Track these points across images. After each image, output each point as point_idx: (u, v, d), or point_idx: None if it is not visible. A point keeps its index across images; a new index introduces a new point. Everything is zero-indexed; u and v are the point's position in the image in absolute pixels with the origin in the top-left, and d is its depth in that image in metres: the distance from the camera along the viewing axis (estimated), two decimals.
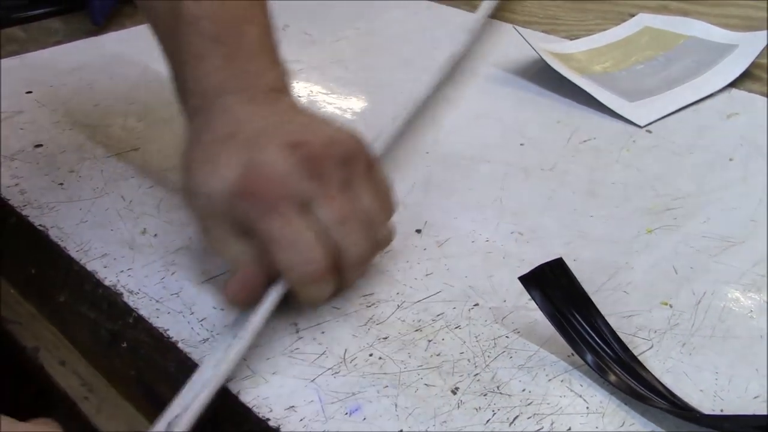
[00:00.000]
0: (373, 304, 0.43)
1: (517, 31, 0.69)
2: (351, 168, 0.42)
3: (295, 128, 0.42)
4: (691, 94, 0.65)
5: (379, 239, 0.43)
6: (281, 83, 0.46)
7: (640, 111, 0.63)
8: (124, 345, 0.43)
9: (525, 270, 0.40)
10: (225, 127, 0.42)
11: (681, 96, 0.65)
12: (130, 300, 0.43)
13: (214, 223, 0.41)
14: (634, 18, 0.79)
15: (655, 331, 0.41)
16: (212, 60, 0.44)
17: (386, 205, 0.44)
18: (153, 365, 0.41)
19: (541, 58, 0.67)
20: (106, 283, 0.44)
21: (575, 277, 0.40)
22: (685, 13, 0.79)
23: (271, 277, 0.41)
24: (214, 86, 0.44)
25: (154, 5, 0.47)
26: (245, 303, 0.41)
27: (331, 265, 0.40)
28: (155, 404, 0.41)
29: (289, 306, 0.42)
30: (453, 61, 0.67)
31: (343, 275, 0.42)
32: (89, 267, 0.46)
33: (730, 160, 0.56)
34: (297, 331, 0.41)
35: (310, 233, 0.39)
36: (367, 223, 0.41)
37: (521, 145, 0.59)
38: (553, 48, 0.72)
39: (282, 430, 0.35)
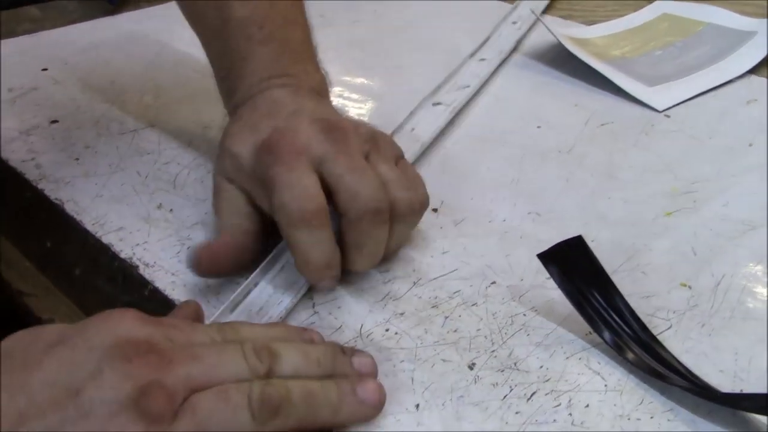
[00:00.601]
0: (390, 280, 0.43)
1: (537, 17, 0.69)
2: (375, 146, 0.42)
3: (328, 116, 0.43)
4: (710, 80, 0.65)
5: (397, 199, 0.41)
6: (323, 87, 0.48)
7: (658, 96, 0.62)
8: None
9: (542, 249, 0.40)
10: (266, 108, 0.44)
11: (700, 82, 0.64)
12: (146, 272, 0.43)
13: (236, 180, 0.43)
14: (652, 4, 0.78)
15: (674, 312, 0.40)
16: (259, 61, 0.46)
17: (413, 185, 0.43)
18: None
19: (560, 43, 0.66)
20: (122, 255, 0.44)
21: (594, 255, 0.39)
22: (703, 0, 0.78)
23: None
24: (259, 83, 0.45)
25: (199, 6, 0.48)
26: (204, 269, 0.41)
27: (326, 211, 0.39)
28: None
29: (302, 280, 0.42)
30: (500, 56, 0.67)
31: (348, 234, 0.40)
32: (105, 240, 0.46)
33: (750, 145, 0.56)
34: (313, 306, 0.41)
35: (312, 179, 0.39)
36: (381, 183, 0.40)
37: (538, 127, 0.59)
38: (571, 33, 0.71)
39: None
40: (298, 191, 0.39)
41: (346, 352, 0.36)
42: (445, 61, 0.67)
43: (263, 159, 0.41)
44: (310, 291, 0.42)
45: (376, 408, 0.34)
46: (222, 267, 0.41)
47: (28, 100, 0.62)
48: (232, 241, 0.42)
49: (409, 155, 0.51)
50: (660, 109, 0.61)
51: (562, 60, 0.67)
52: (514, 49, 0.71)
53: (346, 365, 0.35)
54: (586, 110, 0.61)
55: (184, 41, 0.71)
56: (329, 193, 0.40)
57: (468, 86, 0.62)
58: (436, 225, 0.47)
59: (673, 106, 0.61)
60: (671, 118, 0.60)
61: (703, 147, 0.56)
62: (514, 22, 0.74)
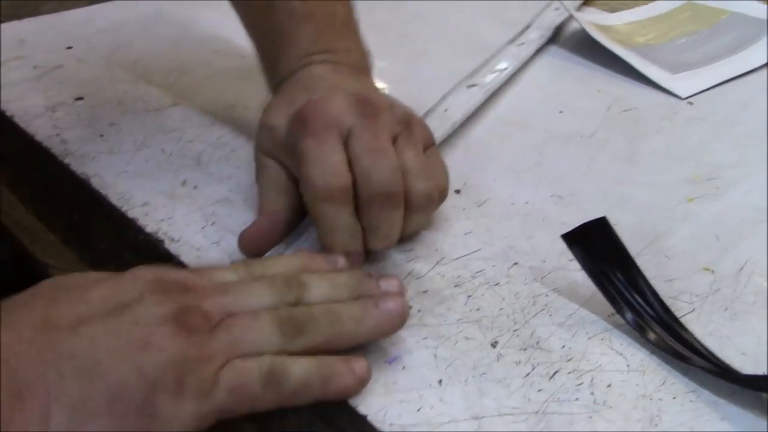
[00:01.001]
0: (413, 259, 0.43)
1: (561, 4, 0.69)
2: (406, 129, 0.42)
3: (366, 91, 0.44)
4: (733, 68, 0.65)
5: (414, 190, 0.41)
6: (364, 65, 0.48)
7: (682, 83, 0.62)
8: None
9: (564, 232, 0.40)
10: (306, 82, 0.45)
11: (723, 70, 0.64)
12: (172, 247, 0.43)
13: (273, 154, 0.43)
14: None
15: (697, 296, 0.40)
16: (301, 37, 0.46)
17: (435, 174, 0.43)
18: None
19: (584, 30, 0.66)
20: (148, 230, 0.45)
21: (618, 237, 0.40)
22: None
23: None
24: (300, 60, 0.46)
25: None
26: (253, 247, 0.42)
27: (351, 188, 0.39)
28: None
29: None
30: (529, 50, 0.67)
31: (364, 214, 0.40)
32: (130, 215, 0.46)
33: None
34: None
35: (338, 155, 0.40)
36: (398, 168, 0.40)
37: (561, 112, 0.59)
38: (594, 19, 0.71)
39: None
40: (325, 166, 0.39)
41: (373, 276, 0.37)
42: (467, 47, 0.67)
43: (295, 130, 0.41)
44: None
45: (399, 317, 0.35)
46: (263, 244, 0.42)
47: (53, 78, 0.62)
48: (273, 217, 0.43)
49: (439, 135, 0.51)
50: (683, 96, 0.60)
51: (585, 46, 0.67)
52: (554, 36, 0.70)
53: (372, 286, 0.36)
54: (608, 96, 0.61)
55: (207, 21, 0.72)
56: None
57: (506, 68, 0.62)
58: (459, 206, 0.47)
59: (696, 93, 0.61)
60: (694, 105, 0.60)
61: (725, 134, 0.56)
62: (557, 9, 0.73)
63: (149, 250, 0.44)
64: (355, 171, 0.40)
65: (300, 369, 0.33)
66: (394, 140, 0.42)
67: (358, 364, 0.34)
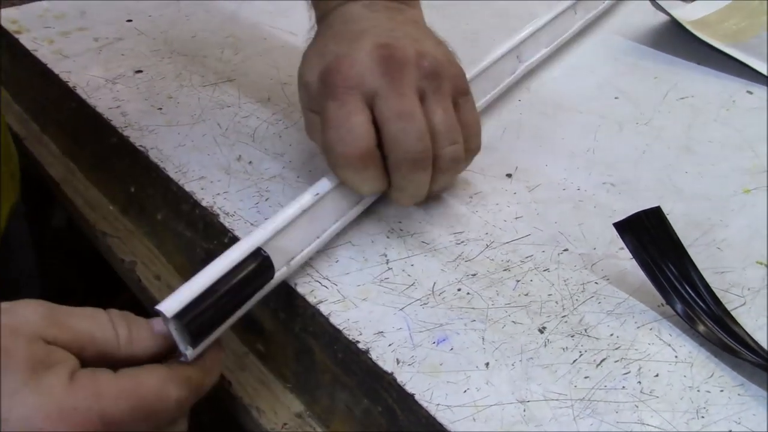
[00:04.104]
0: (463, 242, 0.43)
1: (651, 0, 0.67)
2: (434, 84, 0.42)
3: (396, 34, 0.43)
4: None
5: (442, 154, 0.42)
6: None
7: None
8: None
9: (616, 219, 0.40)
10: (337, 26, 0.44)
11: None
12: (226, 221, 0.44)
13: (313, 109, 0.43)
14: None
15: (749, 289, 0.40)
16: None
17: (468, 131, 0.43)
18: None
19: (657, 17, 0.64)
20: (203, 204, 0.46)
21: (671, 227, 0.39)
22: None
23: None
24: None
25: None
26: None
27: (372, 152, 0.40)
28: (245, 321, 0.42)
29: (378, 237, 0.43)
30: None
31: (391, 175, 0.41)
32: (187, 188, 0.47)
33: None
34: (387, 262, 0.42)
35: (360, 118, 0.40)
36: (426, 132, 0.40)
37: (616, 98, 0.58)
38: (679, 15, 0.69)
39: (371, 352, 0.36)
40: (343, 132, 0.40)
41: None
42: (520, 27, 0.66)
43: (320, 92, 0.42)
44: (385, 248, 0.42)
45: None
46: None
47: (113, 50, 0.64)
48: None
49: (487, 98, 0.52)
50: None
51: (641, 31, 0.66)
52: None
53: None
54: (666, 83, 0.60)
55: None
56: None
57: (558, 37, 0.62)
58: (510, 190, 0.47)
59: None
60: (754, 94, 0.59)
61: None
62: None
63: (204, 224, 0.45)
64: (382, 134, 0.40)
65: None
66: (422, 96, 0.41)
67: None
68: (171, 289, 0.47)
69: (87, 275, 0.75)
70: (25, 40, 0.65)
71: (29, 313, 0.31)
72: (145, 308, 0.48)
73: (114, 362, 0.32)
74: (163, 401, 0.32)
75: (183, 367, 0.34)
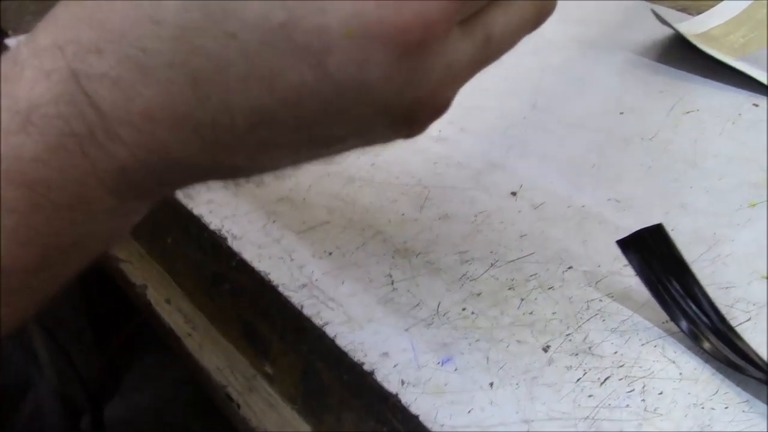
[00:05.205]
0: (467, 261, 0.43)
1: (655, 14, 0.67)
2: None
3: None
4: None
5: None
6: None
7: None
8: (227, 286, 0.45)
9: (621, 236, 0.40)
10: None
11: None
12: (234, 244, 0.45)
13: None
14: None
15: (754, 304, 0.40)
16: None
17: None
18: (253, 307, 0.43)
19: (664, 30, 0.64)
20: (212, 227, 0.46)
21: (674, 244, 0.39)
22: None
23: None
24: None
25: None
26: None
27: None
28: (253, 343, 0.43)
29: (383, 258, 0.43)
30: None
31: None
32: (195, 211, 0.48)
33: None
34: (392, 283, 0.42)
35: None
36: None
37: (621, 113, 0.58)
38: (683, 29, 0.69)
39: (376, 374, 0.37)
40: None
41: None
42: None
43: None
44: (390, 268, 0.43)
45: None
46: None
47: None
48: None
49: None
50: None
51: (645, 44, 0.66)
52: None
53: None
54: (671, 97, 0.60)
55: None
56: None
57: None
58: (515, 208, 0.48)
59: None
60: (759, 107, 0.58)
61: None
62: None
63: (213, 246, 0.46)
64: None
65: None
66: None
67: None
68: (181, 312, 0.48)
69: (97, 299, 0.76)
70: None
71: None
72: (155, 332, 0.48)
73: None
74: None
75: None
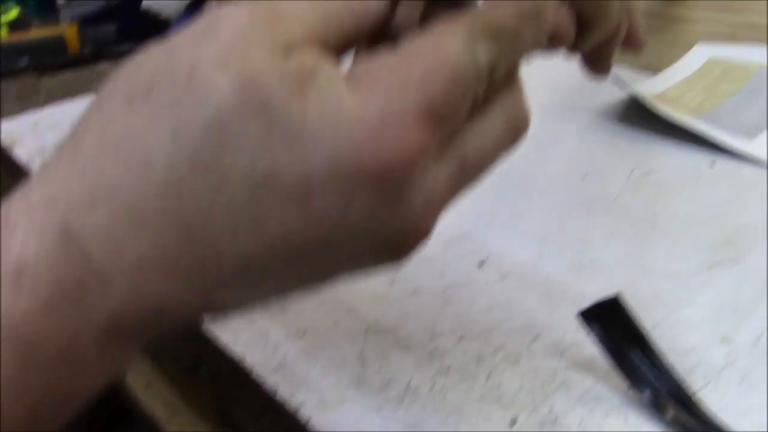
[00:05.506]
0: (437, 335, 0.45)
1: (614, 77, 0.69)
2: None
3: None
4: None
5: None
6: None
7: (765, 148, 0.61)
8: (204, 369, 0.46)
9: (586, 303, 0.41)
10: None
11: None
12: (211, 327, 0.46)
13: None
14: (693, 50, 0.78)
15: (713, 367, 0.42)
16: None
17: None
18: (229, 390, 0.44)
19: (629, 97, 0.67)
20: None
21: (632, 314, 0.41)
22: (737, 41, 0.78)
23: None
24: None
25: None
26: None
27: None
28: (230, 426, 0.44)
29: (356, 336, 0.44)
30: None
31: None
32: None
33: None
34: (363, 363, 0.43)
35: None
36: None
37: (585, 176, 0.60)
38: (639, 87, 0.71)
39: None
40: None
41: None
42: None
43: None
44: (362, 347, 0.44)
45: None
46: None
47: None
48: None
49: None
50: None
51: (609, 107, 0.69)
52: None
53: None
54: (631, 159, 0.62)
55: None
56: None
57: None
58: (482, 280, 0.49)
59: None
60: (716, 165, 0.61)
61: (748, 195, 0.56)
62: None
63: (193, 331, 0.47)
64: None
65: None
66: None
67: None
68: (162, 396, 0.48)
69: None
70: (18, 151, 0.68)
71: None
72: (133, 416, 0.49)
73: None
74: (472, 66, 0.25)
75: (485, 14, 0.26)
